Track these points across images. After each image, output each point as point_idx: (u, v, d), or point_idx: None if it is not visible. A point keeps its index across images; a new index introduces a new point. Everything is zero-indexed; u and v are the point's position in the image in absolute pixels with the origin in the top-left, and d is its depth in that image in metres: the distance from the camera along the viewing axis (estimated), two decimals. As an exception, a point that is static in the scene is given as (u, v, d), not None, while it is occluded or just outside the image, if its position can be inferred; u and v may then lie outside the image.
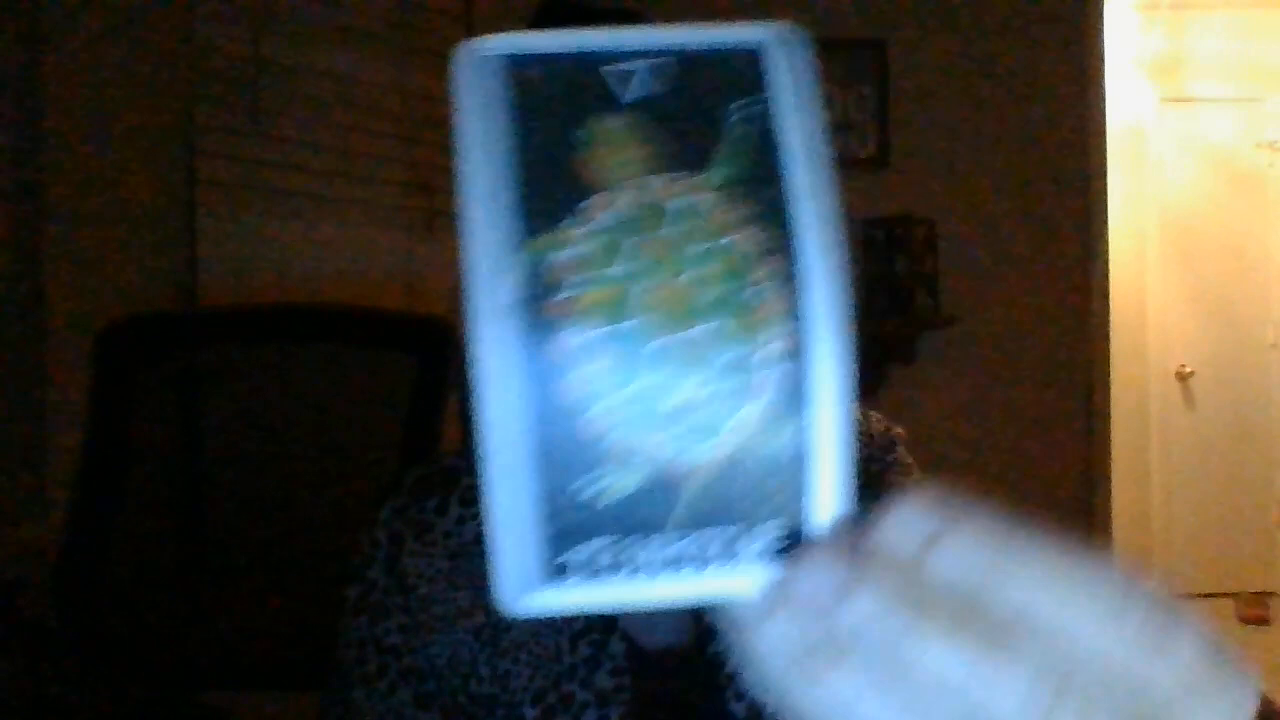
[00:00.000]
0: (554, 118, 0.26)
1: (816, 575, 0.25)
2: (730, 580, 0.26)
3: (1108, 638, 0.24)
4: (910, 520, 0.25)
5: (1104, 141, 2.97)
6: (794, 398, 0.26)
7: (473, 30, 2.13)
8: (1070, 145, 2.87)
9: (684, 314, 0.26)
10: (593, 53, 0.27)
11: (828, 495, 0.26)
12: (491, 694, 0.67)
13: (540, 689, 0.66)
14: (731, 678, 0.67)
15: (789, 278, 0.26)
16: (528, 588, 0.25)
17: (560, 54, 0.27)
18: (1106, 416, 2.96)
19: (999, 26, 2.83)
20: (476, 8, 2.14)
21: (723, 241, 0.26)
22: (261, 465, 1.35)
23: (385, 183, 2.11)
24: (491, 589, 0.25)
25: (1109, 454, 2.98)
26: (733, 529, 0.26)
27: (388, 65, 2.08)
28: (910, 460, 0.75)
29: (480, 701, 0.68)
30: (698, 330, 0.26)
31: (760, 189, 0.26)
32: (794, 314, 0.26)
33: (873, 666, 0.24)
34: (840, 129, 2.75)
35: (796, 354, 0.26)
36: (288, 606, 1.27)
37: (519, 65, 0.26)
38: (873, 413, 0.77)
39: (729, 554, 0.26)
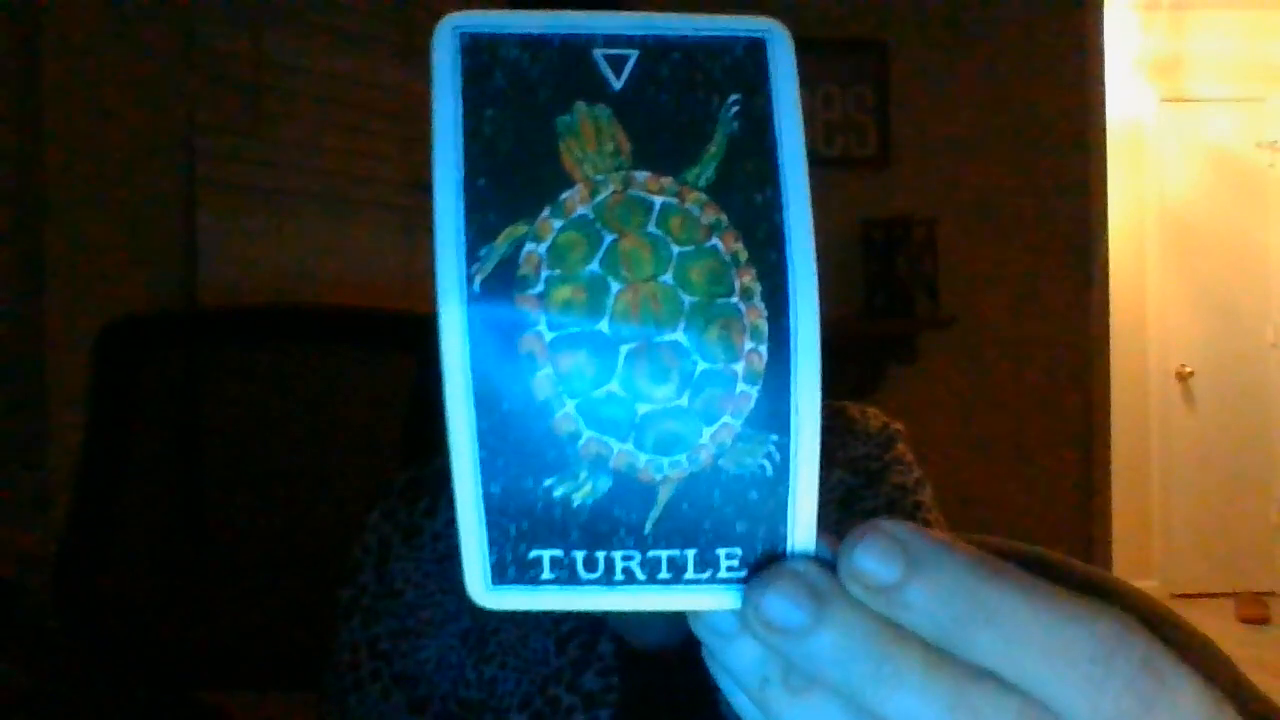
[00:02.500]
0: (537, 102, 0.25)
1: (788, 599, 0.23)
2: (705, 595, 0.25)
3: (1091, 693, 0.22)
4: (886, 551, 0.23)
5: (1104, 141, 2.98)
6: (774, 415, 0.24)
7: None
8: (1070, 145, 2.87)
9: (663, 317, 0.24)
10: (581, 36, 0.25)
11: (805, 516, 0.25)
12: (479, 699, 0.67)
13: (527, 694, 0.66)
14: None
15: (774, 289, 0.24)
16: (499, 580, 0.24)
17: (547, 35, 0.25)
18: (1106, 416, 2.96)
19: (999, 26, 2.83)
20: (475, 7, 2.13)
21: (708, 244, 0.25)
22: (261, 465, 1.35)
23: (385, 183, 2.10)
24: (463, 578, 0.24)
25: (1109, 454, 2.98)
26: (708, 542, 0.25)
27: (388, 65, 2.08)
28: (910, 457, 0.75)
29: (469, 707, 0.67)
30: (676, 335, 0.24)
31: (751, 192, 0.25)
32: (780, 329, 0.24)
33: (839, 703, 0.23)
34: (840, 129, 2.75)
35: (779, 369, 0.24)
36: (288, 606, 1.27)
37: (501, 44, 0.25)
38: (871, 409, 0.77)
39: (704, 568, 0.25)
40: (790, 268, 0.25)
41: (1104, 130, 2.97)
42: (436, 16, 0.26)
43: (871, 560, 0.23)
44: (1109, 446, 2.98)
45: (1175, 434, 4.41)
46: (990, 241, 2.84)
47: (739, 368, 0.24)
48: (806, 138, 0.25)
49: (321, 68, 1.98)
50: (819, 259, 0.25)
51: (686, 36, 0.25)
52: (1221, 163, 4.39)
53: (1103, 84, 2.95)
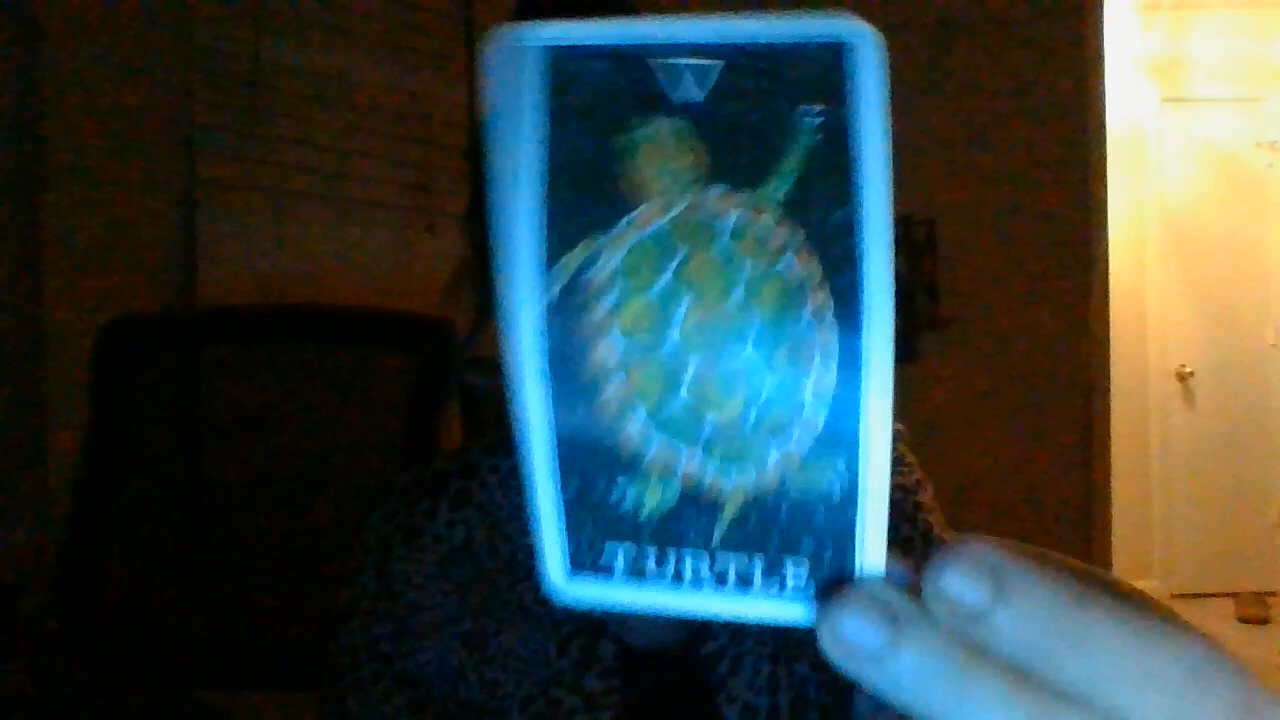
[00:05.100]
0: (600, 118, 0.25)
1: (865, 620, 0.23)
2: (772, 605, 0.25)
3: None
4: (975, 575, 0.22)
5: (1104, 141, 2.97)
6: (842, 437, 0.24)
7: (473, 30, 2.13)
8: (1070, 145, 2.87)
9: (731, 336, 0.24)
10: (642, 45, 0.25)
11: (875, 538, 0.24)
12: (480, 701, 0.67)
13: (528, 695, 0.66)
14: (724, 679, 0.67)
15: (847, 310, 0.24)
16: (577, 571, 0.25)
17: (607, 45, 0.25)
18: (1106, 416, 2.96)
19: (999, 27, 2.83)
20: (476, 8, 2.14)
21: (779, 265, 0.24)
22: (261, 465, 1.35)
23: (385, 183, 2.10)
24: (539, 574, 0.26)
25: (1109, 454, 2.98)
26: (775, 556, 0.25)
27: (388, 66, 2.08)
28: (911, 458, 0.75)
29: (469, 708, 0.67)
30: (745, 355, 0.24)
31: (827, 209, 0.24)
32: (851, 350, 0.24)
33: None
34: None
35: (848, 391, 0.24)
36: (288, 606, 1.27)
37: (560, 57, 0.25)
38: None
39: (771, 580, 0.25)
40: (864, 289, 0.24)
41: (1104, 130, 2.97)
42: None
43: (960, 583, 0.22)
44: (1109, 446, 2.98)
45: (1175, 434, 4.41)
46: (990, 241, 2.84)
47: (808, 387, 0.24)
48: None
49: (321, 68, 1.98)
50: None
51: (770, 43, 0.24)
52: (1221, 163, 4.39)
53: (1103, 84, 2.95)
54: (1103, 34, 2.94)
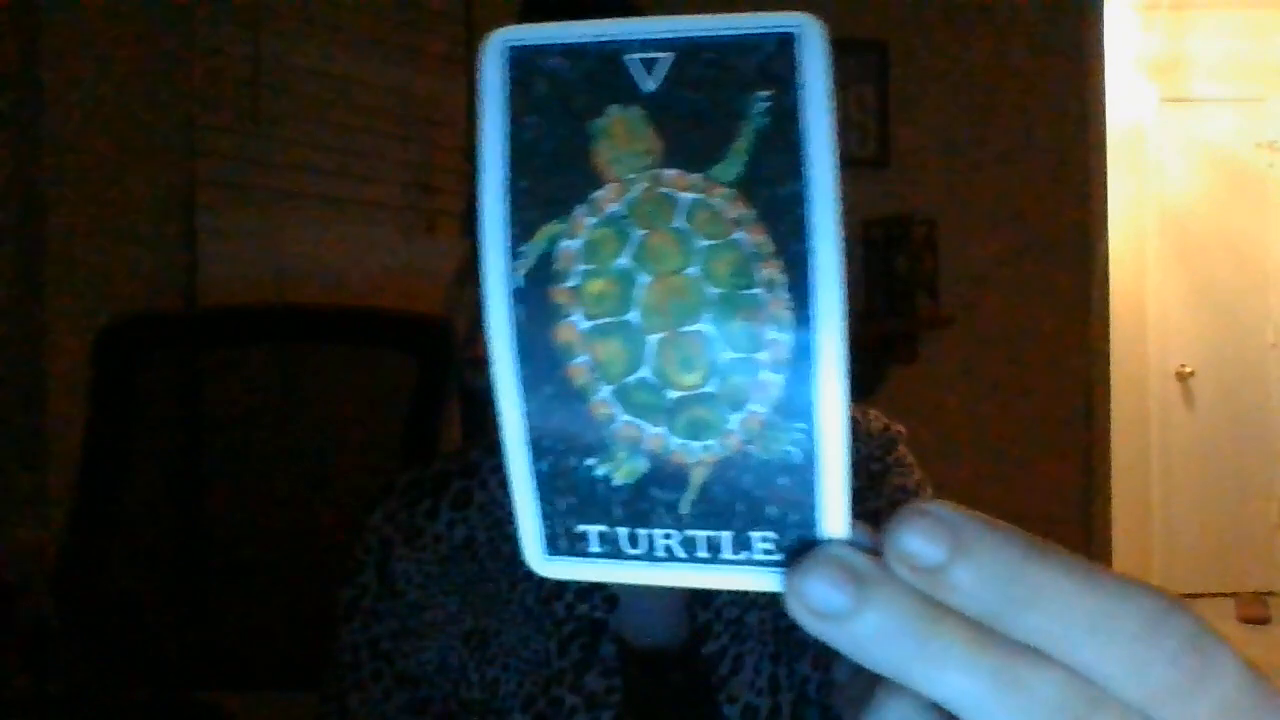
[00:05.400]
0: (573, 107, 0.26)
1: (829, 583, 0.23)
2: (742, 575, 0.26)
3: (1136, 668, 0.22)
4: (932, 533, 0.23)
5: (1104, 141, 2.98)
6: (800, 401, 0.25)
7: (473, 30, 2.13)
8: (1070, 145, 2.87)
9: (688, 308, 0.25)
10: (616, 42, 0.26)
11: (836, 500, 0.25)
12: (481, 700, 0.67)
13: (529, 694, 0.66)
14: (725, 679, 0.67)
15: (798, 279, 0.25)
16: (553, 551, 0.27)
17: (583, 43, 0.26)
18: (1106, 416, 2.96)
19: (999, 26, 2.83)
20: (476, 8, 2.14)
21: (732, 237, 0.25)
22: (261, 465, 1.35)
23: (385, 183, 2.10)
24: (520, 549, 0.27)
25: (1109, 454, 2.98)
26: (742, 525, 0.25)
27: (388, 66, 2.08)
28: (911, 459, 0.75)
29: (470, 708, 0.67)
30: (702, 325, 0.25)
31: (776, 186, 0.25)
32: (802, 316, 0.25)
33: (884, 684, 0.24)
34: (841, 129, 2.74)
35: (802, 357, 0.25)
36: (288, 606, 1.27)
37: (543, 55, 0.26)
38: (872, 411, 0.77)
39: (740, 549, 0.26)
40: (813, 259, 0.25)
41: (1104, 130, 2.97)
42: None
43: (918, 541, 0.23)
44: (1109, 446, 2.98)
45: (1175, 434, 4.41)
46: (990, 241, 2.84)
47: (763, 356, 0.25)
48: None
49: (321, 68, 1.98)
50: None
51: (718, 36, 0.25)
52: (1221, 163, 4.39)
53: (1103, 84, 2.95)
54: (1103, 34, 2.94)
